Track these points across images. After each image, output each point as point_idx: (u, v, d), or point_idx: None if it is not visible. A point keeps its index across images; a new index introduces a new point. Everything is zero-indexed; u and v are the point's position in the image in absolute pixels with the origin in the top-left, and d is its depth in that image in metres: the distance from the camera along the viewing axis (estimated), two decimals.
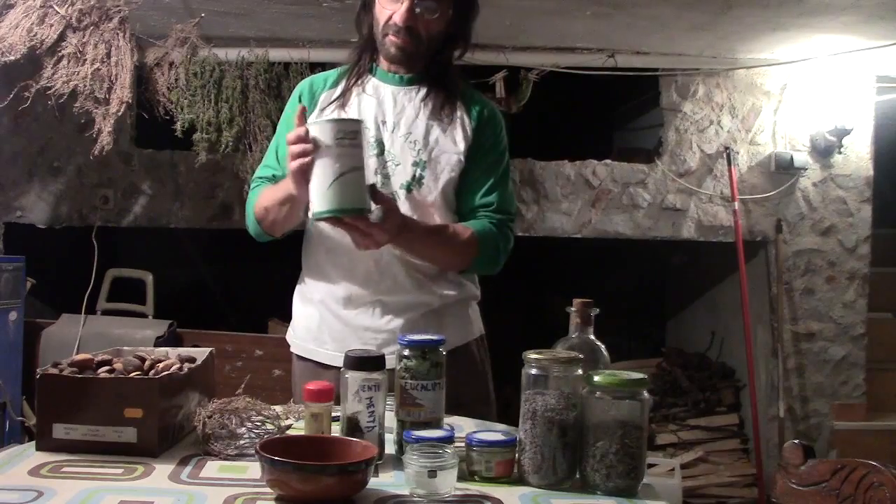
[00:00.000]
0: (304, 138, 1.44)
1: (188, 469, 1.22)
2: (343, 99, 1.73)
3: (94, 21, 3.19)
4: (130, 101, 3.27)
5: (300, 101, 1.78)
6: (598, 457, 1.16)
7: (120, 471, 1.19)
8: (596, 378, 1.17)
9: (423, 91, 1.72)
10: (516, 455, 1.23)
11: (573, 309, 1.34)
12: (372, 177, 1.66)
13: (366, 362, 1.27)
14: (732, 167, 3.90)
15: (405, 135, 1.70)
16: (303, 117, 1.50)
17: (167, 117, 3.41)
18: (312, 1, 3.11)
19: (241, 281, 4.85)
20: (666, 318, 5.27)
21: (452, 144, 1.71)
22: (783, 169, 3.94)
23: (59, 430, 1.25)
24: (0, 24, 3.08)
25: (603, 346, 1.33)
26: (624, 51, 3.74)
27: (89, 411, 1.24)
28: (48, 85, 3.15)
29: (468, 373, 1.74)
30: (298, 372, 1.80)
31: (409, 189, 1.69)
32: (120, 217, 3.78)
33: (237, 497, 1.10)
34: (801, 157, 3.94)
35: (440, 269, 1.73)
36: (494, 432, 1.27)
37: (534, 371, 1.20)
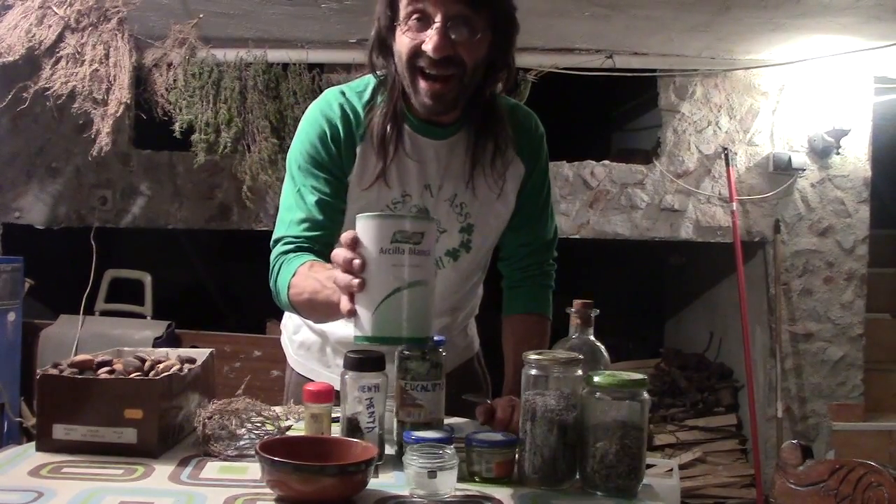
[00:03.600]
0: (353, 245, 1.08)
1: (188, 470, 1.22)
2: (385, 170, 1.41)
3: (93, 22, 3.19)
4: (129, 101, 3.28)
5: (333, 142, 1.42)
6: (598, 457, 1.16)
7: (120, 471, 1.19)
8: (596, 378, 1.17)
9: (468, 140, 1.44)
10: (516, 455, 1.23)
11: (573, 310, 1.34)
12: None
13: (365, 363, 1.27)
14: (730, 168, 3.91)
15: (450, 198, 1.47)
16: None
17: (165, 118, 3.42)
18: (311, 2, 3.11)
19: (239, 281, 4.85)
20: (664, 319, 5.27)
21: (503, 203, 1.51)
22: (781, 169, 3.94)
23: (59, 431, 1.25)
24: None
25: (603, 347, 1.33)
26: (622, 51, 3.74)
27: (89, 412, 1.24)
28: (47, 86, 3.15)
29: (471, 390, 1.65)
30: (294, 382, 1.69)
31: (455, 257, 1.51)
32: (118, 218, 3.78)
33: (237, 498, 1.10)
34: (799, 158, 3.94)
35: (455, 316, 1.63)
36: (494, 433, 1.27)
37: (534, 372, 1.20)
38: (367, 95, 1.45)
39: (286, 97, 3.49)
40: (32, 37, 3.09)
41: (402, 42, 1.32)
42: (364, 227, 1.07)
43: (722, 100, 3.97)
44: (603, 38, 3.60)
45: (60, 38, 3.16)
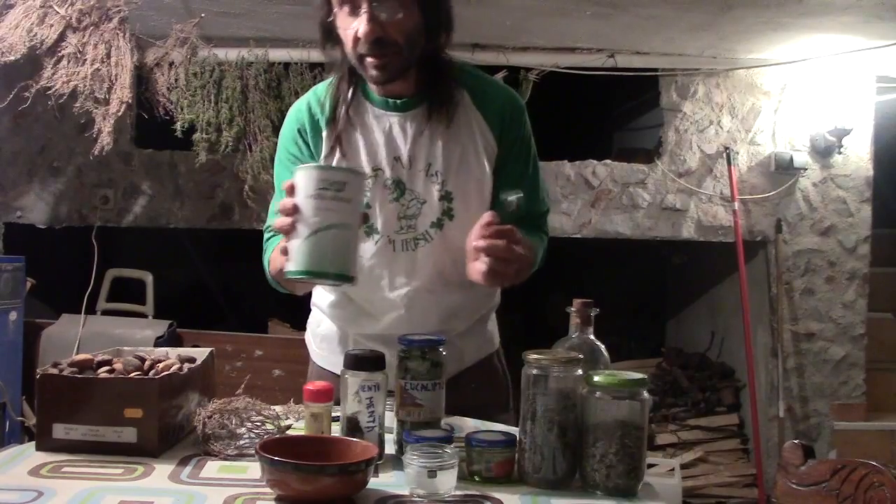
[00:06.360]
0: (290, 192, 1.25)
1: (188, 469, 1.22)
2: (344, 141, 1.52)
3: (94, 21, 3.19)
4: (130, 101, 3.27)
5: (300, 136, 1.56)
6: (598, 457, 1.16)
7: (120, 471, 1.19)
8: (596, 378, 1.17)
9: (428, 108, 1.50)
10: (516, 455, 1.23)
11: (573, 309, 1.34)
12: (395, 223, 1.52)
13: (365, 362, 1.27)
14: (732, 167, 3.90)
15: (425, 168, 1.51)
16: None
17: (167, 117, 3.42)
18: (312, 1, 3.11)
19: (240, 281, 4.83)
20: (666, 319, 5.27)
21: (477, 164, 1.52)
22: (783, 169, 3.94)
23: (59, 430, 1.25)
24: (0, 24, 3.09)
25: (603, 347, 1.33)
26: (624, 51, 3.74)
27: (89, 411, 1.24)
28: (48, 85, 3.15)
29: (491, 387, 1.67)
30: (316, 375, 1.72)
31: (440, 226, 1.53)
32: (120, 217, 3.78)
33: (237, 497, 1.10)
34: (801, 157, 3.94)
35: (468, 298, 1.61)
36: (494, 432, 1.27)
37: (534, 371, 1.20)
38: (328, 104, 1.55)
39: (288, 96, 3.49)
40: (34, 36, 3.09)
41: (342, 34, 1.44)
42: (297, 177, 1.25)
43: (724, 99, 3.96)
44: (604, 38, 3.59)
45: (62, 37, 3.16)
